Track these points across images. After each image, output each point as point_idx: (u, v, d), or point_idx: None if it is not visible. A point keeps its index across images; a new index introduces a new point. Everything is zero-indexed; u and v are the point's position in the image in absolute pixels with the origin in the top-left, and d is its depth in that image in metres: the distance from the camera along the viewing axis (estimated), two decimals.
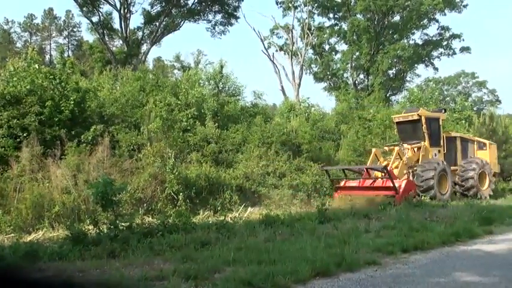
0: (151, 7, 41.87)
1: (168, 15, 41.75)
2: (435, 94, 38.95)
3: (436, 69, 48.94)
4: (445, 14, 45.19)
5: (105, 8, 40.56)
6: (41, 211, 12.56)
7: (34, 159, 14.29)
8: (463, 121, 32.34)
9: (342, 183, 19.10)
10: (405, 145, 19.96)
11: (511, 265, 8.48)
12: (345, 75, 48.32)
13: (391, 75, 46.78)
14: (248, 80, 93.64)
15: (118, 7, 39.76)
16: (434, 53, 47.99)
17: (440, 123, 20.81)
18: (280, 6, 47.67)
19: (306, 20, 46.29)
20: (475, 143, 22.51)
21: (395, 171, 18.42)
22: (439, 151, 20.36)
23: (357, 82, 47.37)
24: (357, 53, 45.21)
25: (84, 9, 39.67)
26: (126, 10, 40.00)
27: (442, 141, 20.65)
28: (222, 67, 25.87)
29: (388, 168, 17.84)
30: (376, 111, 27.08)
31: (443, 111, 22.53)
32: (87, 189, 11.86)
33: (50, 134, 15.84)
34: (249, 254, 8.42)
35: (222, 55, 67.38)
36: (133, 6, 40.72)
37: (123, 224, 10.02)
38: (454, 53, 47.68)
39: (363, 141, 22.83)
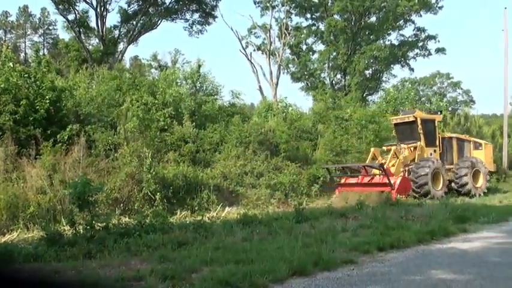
0: (128, 5, 41.53)
1: (145, 14, 41.44)
2: (411, 94, 39.39)
3: (411, 69, 49.46)
4: (420, 15, 45.82)
5: (82, 6, 40.10)
6: (16, 212, 12.39)
7: (8, 159, 14.09)
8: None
9: (342, 181, 20.02)
10: (402, 145, 21.09)
11: (485, 263, 8.63)
12: (322, 75, 48.61)
13: (368, 76, 47.17)
14: (226, 79, 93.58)
15: (94, 5, 39.34)
16: (410, 54, 48.54)
17: (436, 124, 21.95)
18: (258, 6, 47.80)
19: (284, 20, 46.43)
20: (471, 143, 23.69)
21: (392, 169, 19.51)
22: (434, 151, 21.42)
23: (334, 82, 47.68)
24: (334, 53, 45.47)
25: (60, 7, 39.12)
26: (102, 8, 39.60)
27: (437, 141, 21.70)
28: (199, 66, 25.80)
29: (385, 166, 18.88)
30: (353, 111, 27.27)
31: (439, 113, 23.78)
32: (64, 190, 11.73)
33: (24, 133, 15.62)
34: (226, 254, 8.43)
35: (199, 54, 67.35)
36: (109, 4, 40.35)
37: (99, 224, 9.95)
38: (430, 54, 48.32)
39: (340, 141, 22.99)
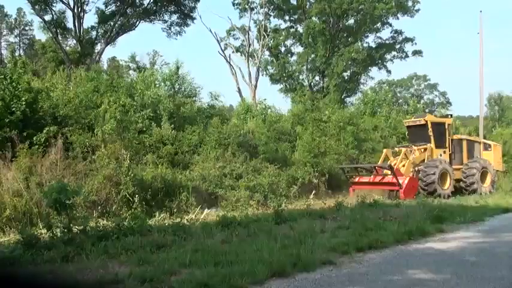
0: (106, 6, 41.21)
1: (123, 14, 41.16)
2: (388, 96, 39.83)
3: (389, 71, 49.98)
4: (397, 18, 46.30)
5: (58, 6, 39.69)
6: None
7: None
8: None
9: (356, 179, 21.56)
10: (413, 146, 22.55)
11: (461, 262, 8.75)
12: (301, 77, 48.83)
13: (346, 78, 47.47)
14: (205, 81, 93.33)
15: (71, 6, 38.95)
16: (388, 56, 49.05)
17: (446, 127, 22.99)
18: (237, 8, 47.82)
19: (262, 22, 46.50)
20: (481, 144, 24.82)
21: (402, 170, 21.09)
22: (444, 152, 22.67)
23: (312, 84, 47.89)
24: (313, 55, 45.69)
25: (37, 7, 38.66)
26: (79, 9, 39.23)
27: (447, 143, 22.85)
28: (178, 68, 25.73)
29: (395, 166, 20.74)
30: (331, 113, 27.43)
31: (449, 116, 24.75)
32: (40, 195, 11.58)
33: (0, 135, 15.39)
34: (205, 256, 8.41)
35: (178, 56, 67.10)
36: (87, 5, 40.01)
37: (77, 227, 9.84)
38: (407, 56, 48.90)
39: (318, 143, 23.10)
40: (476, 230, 12.50)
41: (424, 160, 22.07)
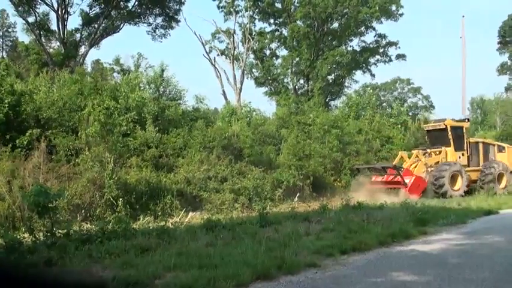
0: (90, 8, 40.82)
1: (107, 17, 40.87)
2: (372, 99, 39.97)
3: (373, 75, 50.12)
4: (381, 22, 46.55)
5: (42, 8, 39.25)
6: None
7: None
8: (399, 126, 33.33)
9: (373, 179, 22.74)
10: (427, 149, 24.19)
11: (444, 264, 8.83)
12: (286, 80, 48.83)
13: (330, 81, 47.57)
14: (189, 84, 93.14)
15: (55, 8, 38.55)
16: (372, 60, 49.19)
17: (464, 130, 24.31)
18: (222, 11, 47.73)
19: (247, 25, 46.52)
20: (495, 146, 25.89)
21: (414, 170, 22.58)
22: (462, 154, 23.91)
23: (297, 87, 47.94)
24: (297, 59, 45.75)
25: (20, 8, 38.26)
26: (63, 11, 38.84)
27: (465, 146, 24.04)
28: (163, 71, 25.66)
29: (407, 167, 22.58)
30: (316, 116, 27.51)
31: (466, 120, 25.98)
32: (23, 198, 11.48)
33: None
34: (190, 259, 8.40)
35: (163, 59, 66.87)
36: (71, 7, 39.58)
37: (60, 231, 9.77)
38: (390, 60, 49.08)
39: (303, 146, 23.16)
40: (459, 232, 12.62)
41: (438, 162, 23.26)
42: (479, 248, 10.42)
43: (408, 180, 21.44)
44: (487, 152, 25.08)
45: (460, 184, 22.64)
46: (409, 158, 23.89)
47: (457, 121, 25.11)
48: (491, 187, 23.09)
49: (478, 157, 24.62)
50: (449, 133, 23.52)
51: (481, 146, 25.06)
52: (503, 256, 9.54)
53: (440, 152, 23.70)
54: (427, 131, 25.68)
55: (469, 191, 23.23)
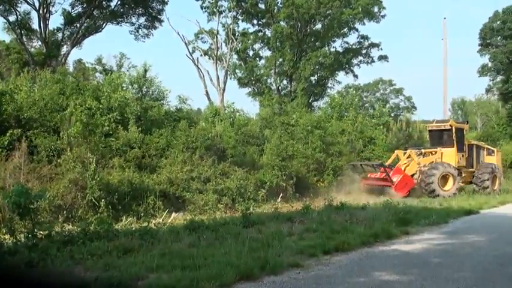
0: (72, 8, 40.39)
1: (89, 16, 40.51)
2: (355, 100, 40.12)
3: (355, 76, 50.46)
4: (364, 24, 46.86)
5: (23, 7, 38.75)
6: None
7: None
8: (381, 126, 33.52)
9: (368, 175, 23.68)
10: (422, 149, 24.92)
11: (426, 263, 8.93)
12: (269, 80, 48.83)
13: (313, 82, 47.74)
14: (173, 84, 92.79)
15: (37, 6, 38.08)
16: (354, 61, 49.51)
17: (464, 132, 25.01)
18: (205, 11, 47.62)
19: (231, 26, 46.48)
20: (485, 149, 26.52)
21: (407, 169, 23.21)
22: (463, 156, 24.49)
23: (280, 88, 48.02)
24: (280, 59, 45.81)
25: (0, 7, 37.79)
26: (45, 10, 38.39)
27: (465, 148, 24.66)
28: (146, 71, 25.46)
29: (398, 166, 23.27)
30: (299, 117, 27.58)
31: (466, 122, 26.75)
32: (2, 198, 11.34)
33: None
34: (173, 260, 8.38)
35: (146, 59, 66.30)
36: (53, 6, 39.12)
37: (41, 232, 9.66)
38: (373, 61, 49.45)
39: (286, 146, 23.20)
40: (440, 232, 12.76)
41: (432, 163, 23.68)
42: (461, 248, 10.55)
43: (396, 178, 21.98)
44: (479, 154, 25.64)
45: (451, 185, 23.02)
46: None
47: (459, 123, 25.91)
48: (487, 185, 23.87)
49: (472, 159, 25.12)
50: (454, 134, 23.95)
51: (474, 148, 25.54)
52: (484, 255, 9.67)
53: (434, 153, 24.19)
54: (429, 130, 26.23)
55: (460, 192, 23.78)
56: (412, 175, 23.42)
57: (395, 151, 25.32)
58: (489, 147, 27.53)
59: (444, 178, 23.08)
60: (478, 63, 67.37)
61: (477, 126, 65.67)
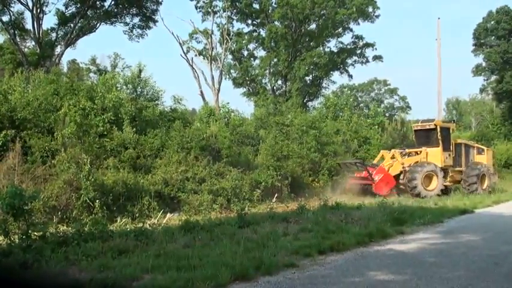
0: (66, 8, 40.23)
1: (83, 16, 40.39)
2: (350, 100, 40.27)
3: (350, 76, 50.58)
4: (358, 24, 46.98)
5: (17, 7, 38.73)
6: None
7: None
8: (376, 126, 33.62)
9: (355, 174, 23.63)
10: (406, 149, 25.00)
11: (421, 263, 8.95)
12: (264, 80, 48.91)
13: (308, 82, 47.80)
14: (167, 84, 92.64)
15: (30, 7, 37.93)
16: (349, 61, 49.67)
17: (450, 131, 24.78)
18: (200, 11, 47.66)
19: (225, 26, 46.48)
20: (475, 148, 26.36)
21: (390, 169, 23.15)
22: (449, 155, 24.32)
23: (275, 88, 48.09)
24: (275, 60, 45.87)
25: None
26: (38, 10, 38.25)
27: (452, 147, 24.46)
28: (140, 71, 25.40)
29: (381, 165, 23.41)
30: (294, 117, 27.60)
31: (453, 121, 26.67)
32: None
33: None
34: (168, 261, 8.37)
35: (140, 59, 66.12)
36: (46, 6, 38.96)
37: (36, 233, 9.63)
38: (367, 61, 49.64)
39: (281, 146, 23.20)
40: (435, 232, 12.80)
41: (417, 162, 23.70)
42: (455, 247, 10.57)
43: (377, 177, 22.16)
44: (468, 153, 25.55)
45: (436, 184, 22.98)
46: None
47: (445, 122, 25.76)
48: (475, 188, 23.65)
49: (461, 158, 25.04)
50: (439, 133, 23.86)
51: (463, 147, 25.47)
52: (478, 255, 9.70)
53: (420, 152, 24.13)
54: (415, 130, 26.01)
55: (447, 191, 23.80)
56: (398, 175, 23.42)
57: (381, 151, 25.45)
58: (479, 146, 27.45)
59: (428, 178, 23.10)
60: (472, 63, 67.57)
61: (472, 125, 65.86)
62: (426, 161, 23.67)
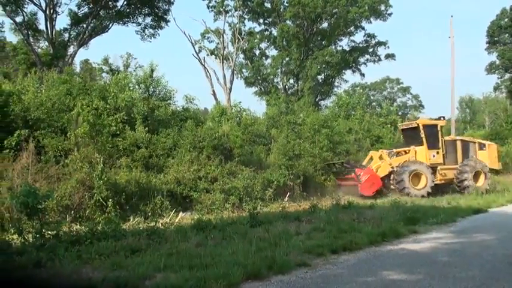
0: (79, 8, 40.58)
1: (95, 17, 40.65)
2: (362, 99, 40.10)
3: (362, 75, 50.47)
4: (370, 22, 46.79)
5: (30, 7, 39.06)
6: None
7: None
8: (389, 125, 33.47)
9: (344, 176, 23.18)
10: (394, 149, 24.68)
11: (434, 262, 8.88)
12: (275, 80, 48.91)
13: (320, 81, 47.74)
14: (179, 84, 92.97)
15: (43, 7, 38.25)
16: (361, 59, 49.51)
17: (439, 128, 24.04)
18: (212, 11, 47.75)
19: (237, 25, 46.53)
20: (476, 144, 25.80)
21: (379, 170, 22.84)
22: (437, 153, 23.81)
23: (287, 87, 48.06)
24: (287, 59, 45.84)
25: (7, 8, 37.85)
26: (52, 11, 38.55)
27: (440, 144, 23.86)
28: (152, 71, 25.49)
29: (369, 166, 23.12)
30: (306, 116, 27.55)
31: (442, 118, 25.41)
32: (10, 199, 11.38)
33: None
34: (180, 260, 8.39)
35: (152, 58, 66.32)
36: (59, 6, 39.29)
37: (49, 232, 9.71)
38: (380, 60, 49.47)
39: (293, 145, 23.17)
40: (449, 231, 12.69)
41: (406, 161, 23.21)
42: (469, 246, 10.49)
43: (363, 178, 21.80)
44: (466, 150, 25.00)
45: (425, 183, 22.62)
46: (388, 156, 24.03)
47: (432, 119, 25.21)
48: (466, 185, 23.20)
49: (456, 155, 24.54)
50: (422, 131, 23.48)
51: (459, 144, 25.00)
52: (492, 254, 9.60)
53: (408, 151, 23.78)
54: (402, 130, 25.85)
55: (439, 189, 23.29)
56: (387, 176, 22.98)
57: (370, 152, 25.13)
58: (481, 141, 26.93)
59: (417, 176, 22.76)
60: (486, 61, 67.04)
61: (485, 124, 65.35)
62: (415, 160, 23.31)
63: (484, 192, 22.66)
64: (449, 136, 26.21)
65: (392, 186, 22.77)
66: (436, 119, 25.11)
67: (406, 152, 23.92)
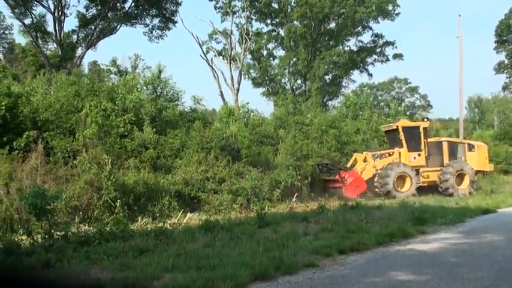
0: (87, 10, 40.75)
1: (103, 18, 40.81)
2: (370, 99, 39.98)
3: (370, 75, 50.39)
4: (378, 22, 46.68)
5: (38, 10, 39.11)
6: None
7: None
8: None
9: (330, 178, 23.09)
10: (378, 152, 24.67)
11: (442, 263, 8.85)
12: (283, 80, 48.94)
13: (328, 81, 47.70)
14: (187, 84, 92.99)
15: (52, 9, 38.48)
16: (369, 60, 49.44)
17: (421, 130, 23.58)
18: (219, 12, 47.81)
19: (244, 26, 46.56)
20: (465, 145, 25.28)
21: (363, 173, 22.53)
22: (419, 155, 23.46)
23: (294, 87, 48.07)
24: (294, 59, 45.83)
25: (16, 10, 38.12)
26: (60, 13, 38.75)
27: (423, 146, 23.47)
28: (160, 72, 25.57)
29: (354, 169, 22.72)
30: (314, 116, 27.52)
31: (425, 119, 25.41)
32: (19, 200, 11.44)
33: None
34: (188, 260, 8.41)
35: (160, 60, 66.35)
36: (67, 8, 39.50)
37: (58, 233, 9.76)
38: (388, 60, 49.34)
39: (301, 146, 23.13)
40: (457, 231, 12.65)
41: (390, 164, 23.02)
42: (477, 247, 10.44)
43: (348, 180, 21.63)
44: (453, 151, 24.51)
45: (409, 185, 22.42)
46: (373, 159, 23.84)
47: (414, 121, 25.16)
48: (448, 186, 22.86)
49: (442, 157, 24.06)
50: (401, 134, 23.28)
51: (445, 145, 24.49)
52: (501, 255, 9.56)
53: (392, 153, 23.63)
54: (385, 132, 25.60)
55: (423, 190, 22.94)
56: (371, 178, 22.77)
57: (354, 154, 24.69)
58: (470, 142, 26.46)
59: (402, 179, 22.55)
60: (495, 60, 66.73)
61: (494, 124, 65.00)
62: (399, 162, 23.04)
63: (467, 195, 22.29)
64: (435, 137, 25.87)
65: (377, 189, 22.62)
66: (418, 121, 25.26)
67: (390, 154, 23.79)
